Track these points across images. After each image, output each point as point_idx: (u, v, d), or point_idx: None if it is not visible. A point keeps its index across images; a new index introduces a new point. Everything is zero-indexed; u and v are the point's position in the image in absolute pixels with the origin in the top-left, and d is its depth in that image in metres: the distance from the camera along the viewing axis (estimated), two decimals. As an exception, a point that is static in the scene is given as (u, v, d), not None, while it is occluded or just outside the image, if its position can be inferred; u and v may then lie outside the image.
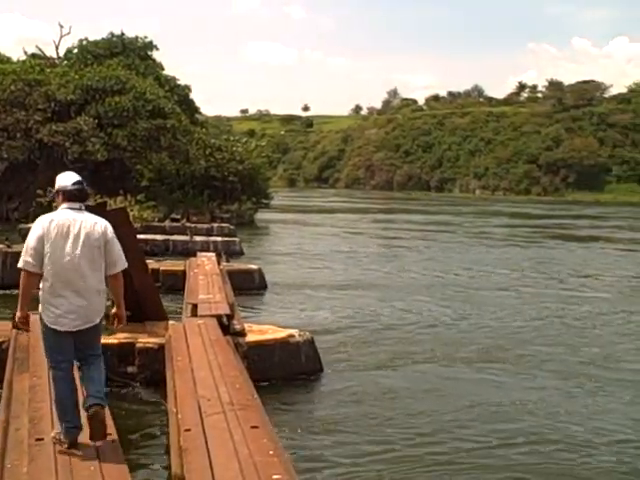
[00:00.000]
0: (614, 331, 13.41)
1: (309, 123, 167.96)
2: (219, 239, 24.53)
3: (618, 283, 20.33)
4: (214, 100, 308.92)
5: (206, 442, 5.23)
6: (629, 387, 9.59)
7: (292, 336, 9.52)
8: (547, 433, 7.63)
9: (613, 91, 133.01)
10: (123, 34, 45.11)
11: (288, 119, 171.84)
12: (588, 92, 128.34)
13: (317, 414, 8.16)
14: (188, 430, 5.52)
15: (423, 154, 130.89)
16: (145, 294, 10.30)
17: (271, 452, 4.99)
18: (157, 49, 46.20)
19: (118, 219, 9.74)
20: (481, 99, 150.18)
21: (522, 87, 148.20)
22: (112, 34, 44.99)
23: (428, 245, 29.87)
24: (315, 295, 16.52)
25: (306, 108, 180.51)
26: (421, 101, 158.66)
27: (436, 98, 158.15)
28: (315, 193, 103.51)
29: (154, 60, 45.82)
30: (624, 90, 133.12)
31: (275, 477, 4.58)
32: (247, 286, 16.20)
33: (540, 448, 7.20)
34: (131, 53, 43.73)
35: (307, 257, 24.44)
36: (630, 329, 13.68)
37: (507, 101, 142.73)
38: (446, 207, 69.16)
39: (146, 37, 45.71)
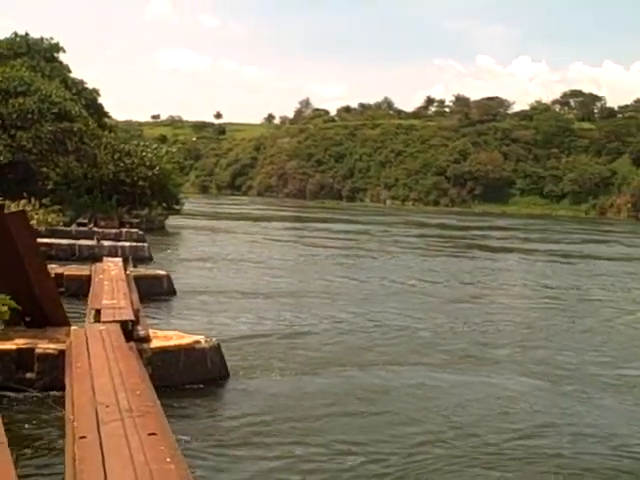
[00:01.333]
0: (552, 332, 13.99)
1: (221, 130, 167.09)
2: (127, 244, 24.03)
3: (541, 290, 21.18)
4: (125, 105, 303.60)
5: (101, 450, 5.06)
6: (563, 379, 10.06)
7: (198, 342, 9.40)
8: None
9: (516, 108, 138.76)
10: (27, 34, 43.74)
11: (200, 126, 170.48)
12: (493, 108, 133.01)
13: (220, 420, 8.08)
14: (83, 438, 5.34)
15: (335, 164, 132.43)
16: (46, 299, 9.98)
17: (168, 459, 4.88)
18: (64, 51, 45.00)
19: (15, 222, 9.43)
20: (391, 111, 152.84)
21: (430, 101, 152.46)
22: (16, 34, 43.55)
23: (344, 253, 30.04)
24: (225, 301, 16.38)
25: (218, 115, 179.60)
26: (333, 112, 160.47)
27: (347, 109, 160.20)
28: (227, 200, 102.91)
29: (61, 62, 44.58)
30: (526, 107, 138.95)
31: (171, 484, 4.48)
32: (155, 292, 15.93)
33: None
34: (36, 54, 42.41)
35: (218, 263, 24.22)
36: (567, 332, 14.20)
37: (416, 114, 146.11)
38: (361, 217, 69.83)
39: (52, 38, 44.48)
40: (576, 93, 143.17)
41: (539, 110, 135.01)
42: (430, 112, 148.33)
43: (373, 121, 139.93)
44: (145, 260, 22.18)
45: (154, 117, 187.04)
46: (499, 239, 45.66)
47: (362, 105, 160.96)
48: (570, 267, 29.05)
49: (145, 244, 25.04)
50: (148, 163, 39.18)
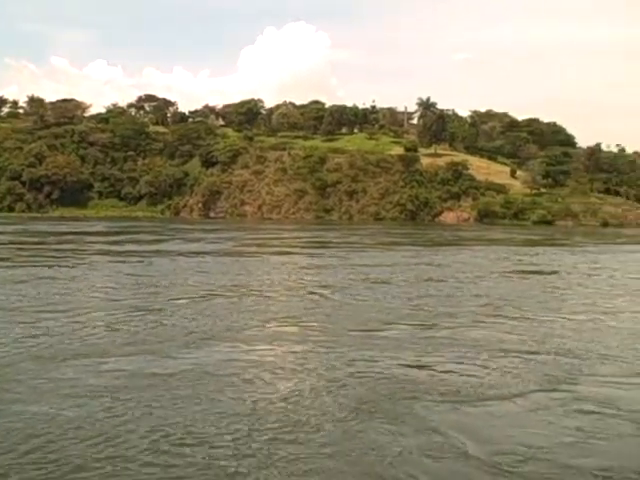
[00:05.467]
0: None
1: None
2: None
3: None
4: None
5: None
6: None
7: None
8: None
9: (93, 111, 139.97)
10: None
11: None
12: (69, 110, 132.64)
13: None
14: None
15: None
16: None
17: None
18: None
19: None
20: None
21: (3, 102, 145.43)
22: None
23: None
24: None
25: None
26: None
27: None
28: None
29: None
30: (103, 110, 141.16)
31: None
32: None
33: None
34: None
35: None
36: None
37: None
38: None
39: None
40: (150, 98, 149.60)
41: (115, 113, 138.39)
42: (3, 113, 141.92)
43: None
44: None
45: None
46: (106, 243, 46.10)
47: None
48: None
49: None
50: None
